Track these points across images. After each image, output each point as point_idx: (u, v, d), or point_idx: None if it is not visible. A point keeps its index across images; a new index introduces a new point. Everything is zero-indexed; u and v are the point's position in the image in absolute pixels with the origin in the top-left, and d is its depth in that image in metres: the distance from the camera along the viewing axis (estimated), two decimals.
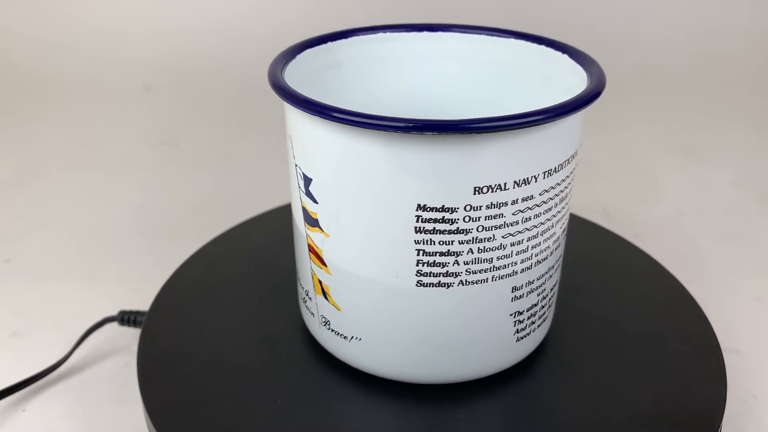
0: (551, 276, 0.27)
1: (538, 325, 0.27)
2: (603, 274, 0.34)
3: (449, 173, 0.22)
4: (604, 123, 0.62)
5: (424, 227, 0.23)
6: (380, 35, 0.30)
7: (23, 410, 0.31)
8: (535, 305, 0.26)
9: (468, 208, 0.23)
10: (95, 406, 0.32)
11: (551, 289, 0.27)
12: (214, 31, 0.76)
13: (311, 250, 0.26)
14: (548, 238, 0.25)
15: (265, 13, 0.76)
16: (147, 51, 0.74)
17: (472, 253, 0.24)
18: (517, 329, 0.26)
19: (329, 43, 0.29)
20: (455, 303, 0.25)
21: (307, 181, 0.25)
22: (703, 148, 0.59)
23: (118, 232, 0.46)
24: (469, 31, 0.30)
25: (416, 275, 0.24)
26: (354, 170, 0.23)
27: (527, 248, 0.24)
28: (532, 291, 0.26)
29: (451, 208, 0.23)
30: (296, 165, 0.25)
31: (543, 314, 0.27)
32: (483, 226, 0.23)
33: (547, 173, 0.23)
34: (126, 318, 0.34)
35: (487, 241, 0.23)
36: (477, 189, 0.22)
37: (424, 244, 0.23)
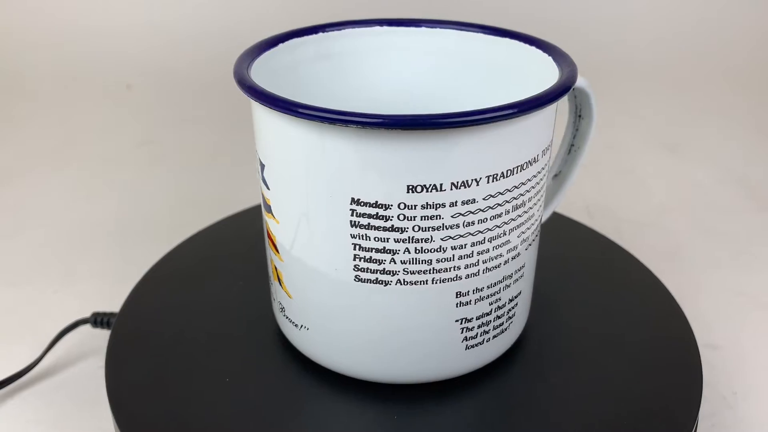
0: (508, 286, 0.25)
1: (494, 336, 0.26)
2: (581, 272, 0.34)
3: (381, 169, 0.22)
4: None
5: (359, 222, 0.23)
6: (349, 30, 0.30)
7: None
8: (487, 314, 0.25)
9: (402, 206, 0.22)
10: (66, 411, 0.31)
11: (511, 300, 0.26)
12: (195, 30, 0.74)
13: (268, 235, 0.27)
14: (500, 246, 0.24)
15: (248, 12, 0.75)
16: (128, 50, 0.73)
17: (409, 252, 0.23)
18: (466, 337, 0.25)
19: (303, 37, 0.28)
20: (395, 302, 0.24)
21: (262, 166, 0.25)
22: (686, 144, 0.59)
23: (96, 232, 0.45)
24: (439, 26, 0.30)
25: (354, 270, 0.24)
26: (293, 158, 0.23)
27: (472, 254, 0.24)
28: (482, 299, 0.25)
29: (385, 204, 0.22)
30: (256, 150, 0.26)
31: (499, 325, 0.26)
32: (419, 226, 0.23)
33: (491, 178, 0.23)
34: (99, 320, 0.33)
35: (425, 242, 0.23)
36: (410, 187, 0.22)
37: (360, 239, 0.23)
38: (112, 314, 0.33)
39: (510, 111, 0.21)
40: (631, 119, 0.63)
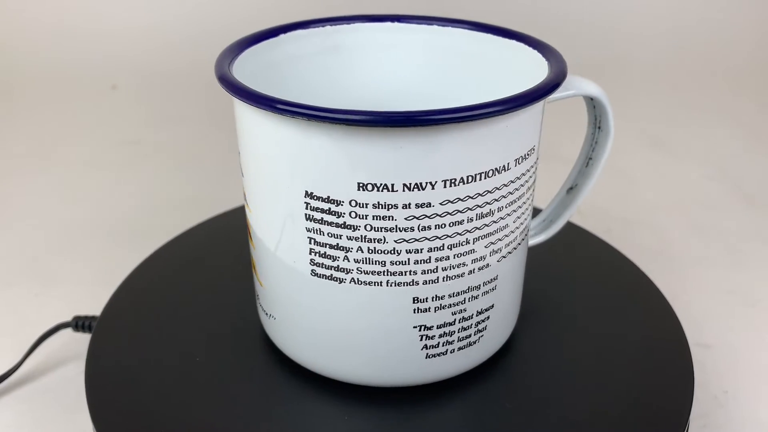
0: (475, 297, 0.24)
1: (459, 348, 0.25)
2: (571, 271, 0.33)
3: (331, 164, 0.22)
4: (576, 117, 0.57)
5: (313, 215, 0.23)
6: (340, 27, 0.29)
7: None
8: (450, 324, 0.24)
9: (354, 203, 0.22)
10: (47, 417, 0.30)
11: (480, 313, 0.25)
12: (181, 29, 0.73)
13: (247, 224, 0.27)
14: (463, 254, 0.23)
15: (234, 10, 0.74)
16: (114, 49, 0.72)
17: (362, 252, 0.23)
18: (426, 345, 0.25)
19: (288, 33, 0.28)
20: (350, 300, 0.24)
21: (239, 154, 0.25)
22: (676, 141, 0.59)
23: (80, 233, 0.44)
24: (425, 22, 0.29)
25: (310, 264, 0.24)
26: (254, 147, 0.23)
27: (429, 259, 0.23)
28: (443, 308, 0.24)
29: (337, 200, 0.22)
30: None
31: (466, 337, 0.25)
32: (371, 226, 0.22)
33: (449, 182, 0.22)
34: (81, 323, 0.32)
35: (378, 242, 0.22)
36: (361, 185, 0.22)
37: (314, 233, 0.23)
38: (93, 318, 0.32)
39: (458, 115, 0.20)
40: (621, 117, 0.62)
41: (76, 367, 0.33)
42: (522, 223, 0.25)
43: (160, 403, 0.25)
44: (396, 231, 0.22)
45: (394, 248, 0.23)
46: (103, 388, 0.26)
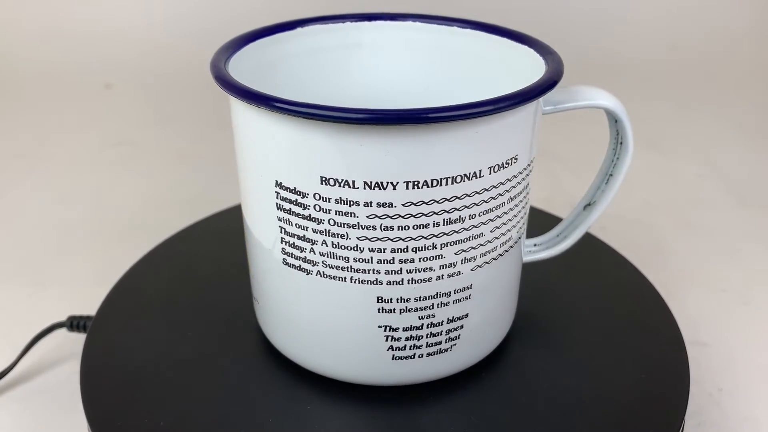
0: (445, 304, 0.24)
1: (429, 354, 0.25)
2: (565, 268, 0.33)
3: (296, 157, 0.22)
4: (569, 114, 0.53)
5: (282, 205, 0.23)
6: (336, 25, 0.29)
7: None
8: (418, 328, 0.24)
9: (317, 197, 0.22)
10: (42, 417, 0.30)
11: (451, 321, 0.24)
12: (175, 29, 0.73)
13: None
14: (429, 259, 0.23)
15: (227, 11, 0.73)
16: (108, 49, 0.71)
17: (326, 245, 0.23)
18: (392, 346, 0.24)
19: (286, 32, 0.28)
20: (317, 292, 0.24)
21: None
22: (669, 139, 0.59)
23: (73, 233, 0.44)
24: (424, 20, 0.29)
25: (281, 252, 0.24)
26: (236, 136, 0.24)
27: (393, 260, 0.23)
28: (408, 311, 0.24)
29: (303, 192, 0.22)
30: None
31: (435, 343, 0.25)
32: (335, 221, 0.22)
33: (412, 184, 0.21)
34: (75, 323, 0.32)
35: (341, 237, 0.23)
36: (324, 179, 0.22)
37: (284, 222, 0.23)
38: (88, 317, 0.32)
39: (416, 116, 0.20)
40: None
41: (71, 367, 0.33)
42: (504, 234, 0.24)
43: (154, 402, 0.25)
44: (358, 228, 0.22)
45: (357, 245, 0.23)
46: (98, 388, 0.26)
